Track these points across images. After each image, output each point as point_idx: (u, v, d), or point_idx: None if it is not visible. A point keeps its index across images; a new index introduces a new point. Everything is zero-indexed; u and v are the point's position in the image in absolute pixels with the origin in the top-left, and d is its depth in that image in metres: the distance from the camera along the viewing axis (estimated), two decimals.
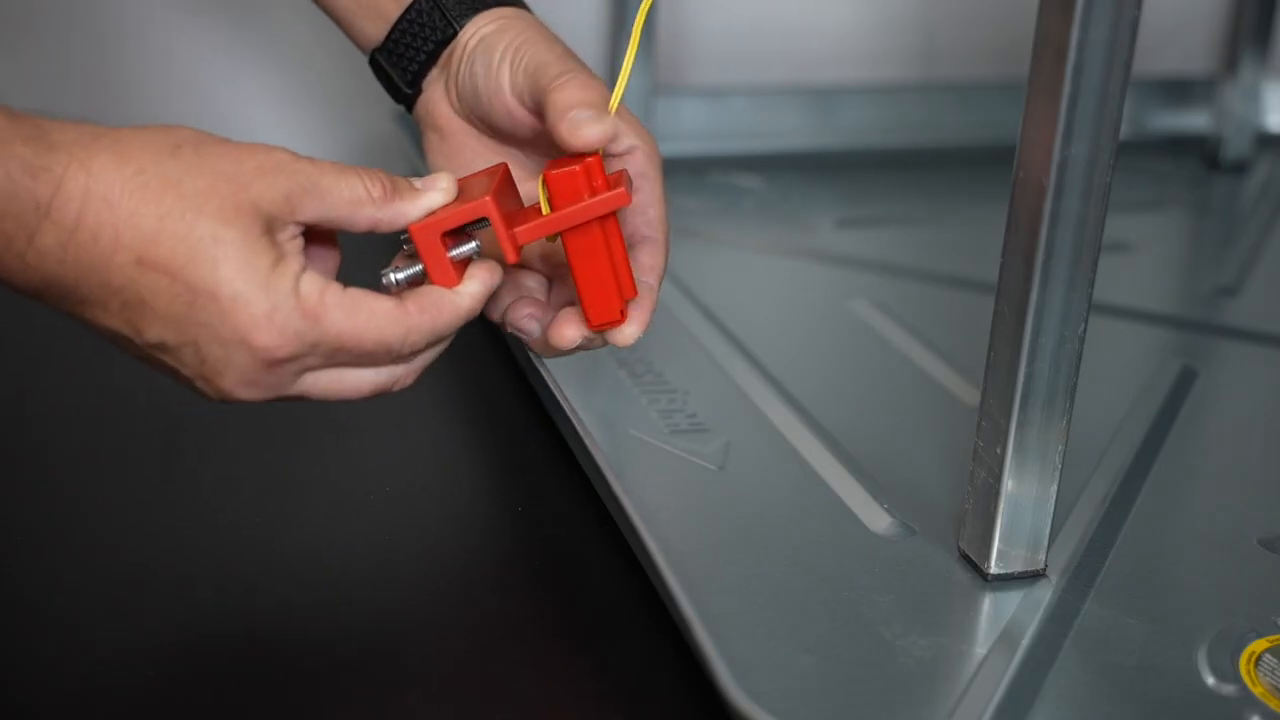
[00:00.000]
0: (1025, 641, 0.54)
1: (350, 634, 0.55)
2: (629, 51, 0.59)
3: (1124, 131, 0.50)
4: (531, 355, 0.66)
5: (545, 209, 0.55)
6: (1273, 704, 0.52)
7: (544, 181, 0.55)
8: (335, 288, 0.52)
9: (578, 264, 0.56)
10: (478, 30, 0.64)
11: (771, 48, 1.17)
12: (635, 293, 0.58)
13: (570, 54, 0.61)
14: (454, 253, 0.55)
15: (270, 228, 0.51)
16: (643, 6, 0.59)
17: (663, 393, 0.73)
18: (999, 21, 1.21)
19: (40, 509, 0.63)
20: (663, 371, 0.75)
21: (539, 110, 0.59)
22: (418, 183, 0.55)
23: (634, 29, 0.59)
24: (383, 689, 0.52)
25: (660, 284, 0.61)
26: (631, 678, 0.54)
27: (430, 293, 0.54)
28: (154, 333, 0.50)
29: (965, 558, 0.59)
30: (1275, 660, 0.54)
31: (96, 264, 0.49)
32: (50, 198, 0.48)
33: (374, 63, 0.68)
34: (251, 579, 0.58)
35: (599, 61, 1.12)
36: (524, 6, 0.66)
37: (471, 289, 0.55)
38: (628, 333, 0.59)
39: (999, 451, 0.54)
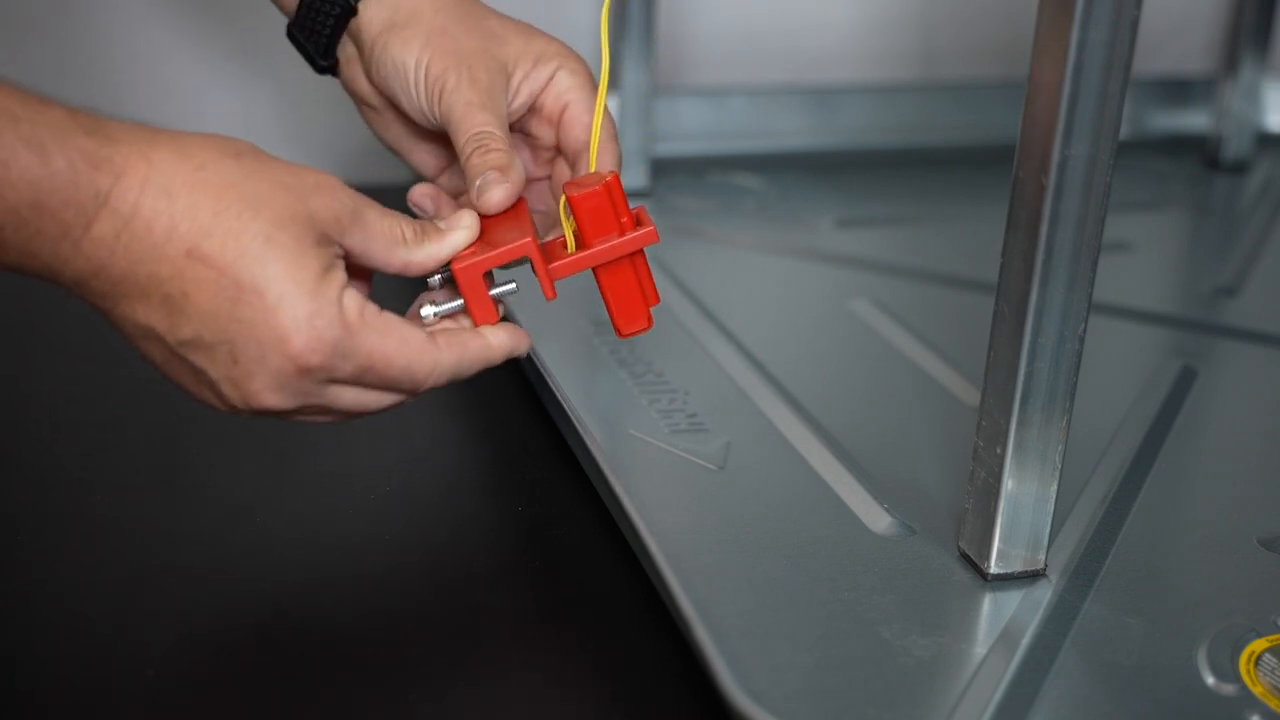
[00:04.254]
0: (1025, 641, 0.54)
1: (350, 633, 0.55)
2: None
3: (1124, 131, 0.50)
4: (533, 356, 0.66)
5: (568, 231, 0.58)
6: (1273, 704, 0.52)
7: (567, 203, 0.57)
8: (374, 308, 0.53)
9: (606, 283, 0.59)
10: (379, 17, 0.65)
11: (771, 48, 1.17)
12: (659, 299, 0.60)
13: (478, 78, 0.63)
14: (495, 291, 0.57)
15: (320, 241, 0.52)
16: None
17: (663, 393, 0.73)
18: (998, 21, 1.21)
19: (45, 506, 0.63)
20: (663, 371, 0.75)
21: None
22: (441, 223, 0.57)
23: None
24: (382, 688, 0.52)
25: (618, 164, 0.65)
26: (631, 678, 0.54)
27: (460, 334, 0.56)
28: (190, 329, 0.51)
29: (965, 558, 0.59)
30: (1275, 660, 0.54)
31: (147, 254, 0.49)
32: (110, 187, 0.48)
33: (290, 34, 0.69)
34: (250, 578, 0.58)
35: (598, 60, 1.12)
36: None
37: (502, 340, 0.57)
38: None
39: (999, 451, 0.54)
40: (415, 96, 0.65)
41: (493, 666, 0.54)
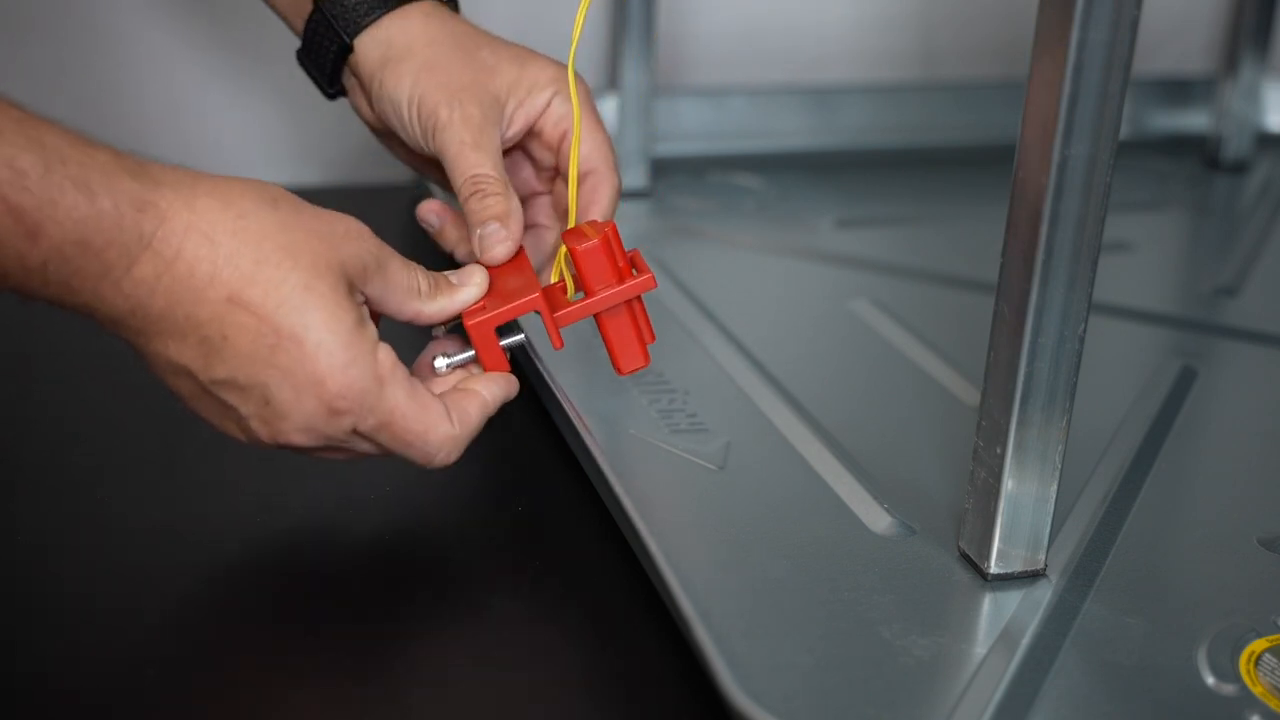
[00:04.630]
0: (1025, 641, 0.54)
1: (349, 633, 0.55)
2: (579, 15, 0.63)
3: (1124, 131, 0.50)
4: (533, 356, 0.66)
5: (568, 279, 0.62)
6: (1273, 704, 0.52)
7: (568, 256, 0.61)
8: (405, 370, 0.55)
9: (607, 326, 0.62)
10: (374, 53, 0.68)
11: (771, 48, 1.17)
12: (655, 338, 0.63)
13: (470, 114, 0.65)
14: (505, 342, 0.60)
15: (351, 291, 0.54)
16: None
17: (663, 393, 0.73)
18: (998, 21, 1.21)
19: (45, 506, 0.63)
20: (663, 371, 0.75)
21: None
22: (453, 277, 0.60)
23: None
24: (382, 687, 0.52)
25: (610, 212, 0.67)
26: (632, 678, 0.54)
27: (460, 400, 0.58)
28: (224, 370, 0.52)
29: (965, 557, 0.59)
30: (1275, 660, 0.54)
31: (187, 296, 0.51)
32: (154, 230, 0.50)
33: (299, 60, 0.71)
34: (248, 577, 0.58)
35: (598, 61, 1.12)
36: None
37: (496, 393, 0.59)
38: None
39: (999, 451, 0.54)
40: (411, 131, 0.67)
41: (491, 667, 0.54)
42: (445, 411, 0.56)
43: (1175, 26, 1.25)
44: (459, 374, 0.60)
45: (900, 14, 1.20)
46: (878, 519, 0.62)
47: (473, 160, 0.64)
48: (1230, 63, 1.16)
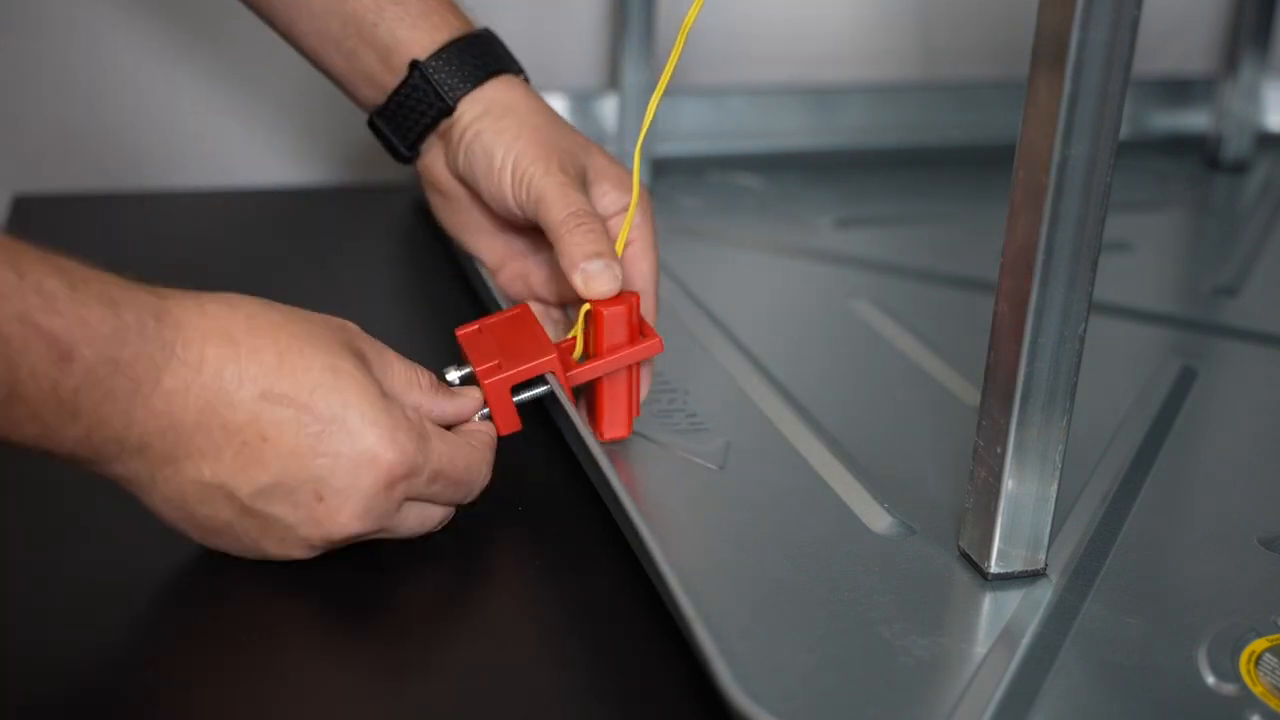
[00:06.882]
0: (1025, 641, 0.54)
1: (349, 631, 0.56)
2: (648, 113, 0.65)
3: (1124, 131, 0.50)
4: None
5: (579, 339, 0.64)
6: (1273, 704, 0.52)
7: (593, 317, 0.63)
8: (429, 419, 0.57)
9: (605, 389, 0.65)
10: (473, 111, 0.70)
11: (771, 48, 1.17)
12: (640, 412, 0.67)
13: (566, 169, 0.67)
14: (519, 398, 0.62)
15: (366, 365, 0.56)
16: (672, 55, 0.64)
17: (663, 393, 0.73)
18: (998, 21, 1.21)
19: (44, 507, 0.63)
20: (663, 371, 0.75)
21: (538, 226, 0.67)
22: (455, 382, 0.62)
23: (660, 82, 0.64)
24: (380, 688, 0.52)
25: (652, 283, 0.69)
26: (632, 678, 0.54)
27: (475, 435, 0.60)
28: (268, 476, 0.53)
29: (965, 557, 0.59)
30: (1275, 660, 0.54)
31: (220, 401, 0.51)
32: (174, 338, 0.51)
33: (372, 125, 0.72)
34: (245, 576, 0.58)
35: (598, 60, 1.12)
36: (516, 70, 0.72)
37: (491, 427, 0.62)
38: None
39: (999, 451, 0.54)
40: (499, 180, 0.68)
41: (491, 666, 0.54)
42: (473, 445, 0.59)
43: (1175, 26, 1.25)
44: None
45: (900, 14, 1.20)
46: (878, 519, 0.62)
47: (575, 198, 0.65)
48: (1230, 63, 1.16)
